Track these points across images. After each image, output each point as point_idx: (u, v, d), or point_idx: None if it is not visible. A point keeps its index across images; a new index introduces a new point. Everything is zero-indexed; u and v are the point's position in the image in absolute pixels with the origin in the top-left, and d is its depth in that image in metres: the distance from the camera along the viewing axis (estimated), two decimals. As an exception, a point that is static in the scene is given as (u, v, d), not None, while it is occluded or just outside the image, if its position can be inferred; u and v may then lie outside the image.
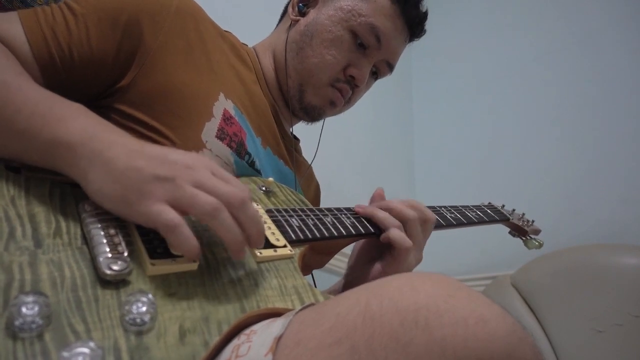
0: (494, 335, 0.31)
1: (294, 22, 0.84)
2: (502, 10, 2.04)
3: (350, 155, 1.86)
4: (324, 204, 0.94)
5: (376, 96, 1.95)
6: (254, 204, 0.58)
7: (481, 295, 0.34)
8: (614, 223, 1.51)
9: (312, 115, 0.84)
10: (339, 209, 0.67)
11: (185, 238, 0.41)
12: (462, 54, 2.16)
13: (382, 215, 0.65)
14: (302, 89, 0.81)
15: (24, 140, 0.47)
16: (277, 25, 0.91)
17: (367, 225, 0.66)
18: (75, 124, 0.46)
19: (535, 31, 1.91)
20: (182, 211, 0.43)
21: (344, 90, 0.81)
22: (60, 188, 0.49)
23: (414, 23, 0.83)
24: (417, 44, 0.88)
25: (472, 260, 1.82)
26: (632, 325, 1.17)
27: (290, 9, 0.86)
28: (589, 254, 1.34)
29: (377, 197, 0.74)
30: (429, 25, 0.87)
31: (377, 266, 0.66)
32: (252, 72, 0.80)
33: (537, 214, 1.00)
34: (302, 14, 0.84)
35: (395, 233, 0.63)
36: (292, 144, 0.88)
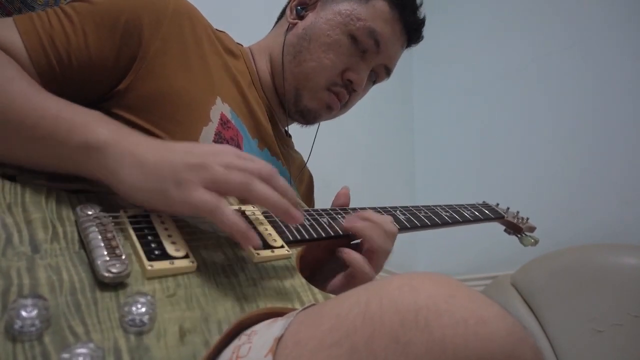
0: (494, 336, 0.31)
1: (292, 25, 0.83)
2: (501, 12, 2.04)
3: (350, 155, 1.86)
4: (324, 203, 0.94)
5: (376, 96, 1.94)
6: (251, 206, 0.58)
7: (481, 295, 0.34)
8: (613, 223, 1.51)
9: (308, 118, 0.84)
10: (334, 210, 0.67)
11: (227, 216, 0.44)
12: (461, 55, 2.16)
13: (361, 226, 0.60)
14: (299, 93, 0.80)
15: (49, 146, 0.48)
16: (274, 27, 0.90)
17: None
18: (101, 128, 0.48)
19: (534, 33, 1.90)
20: (219, 192, 0.45)
21: (341, 94, 0.80)
22: (56, 195, 0.49)
23: (412, 29, 0.83)
24: (417, 45, 0.88)
25: (472, 260, 1.82)
26: (632, 325, 1.17)
27: (288, 12, 0.84)
28: (589, 254, 1.34)
29: (342, 197, 0.71)
30: (429, 25, 0.87)
31: (339, 278, 0.62)
32: (247, 73, 0.79)
33: (536, 213, 1.00)
34: (300, 17, 0.83)
35: (353, 258, 0.59)
36: (287, 143, 0.88)
